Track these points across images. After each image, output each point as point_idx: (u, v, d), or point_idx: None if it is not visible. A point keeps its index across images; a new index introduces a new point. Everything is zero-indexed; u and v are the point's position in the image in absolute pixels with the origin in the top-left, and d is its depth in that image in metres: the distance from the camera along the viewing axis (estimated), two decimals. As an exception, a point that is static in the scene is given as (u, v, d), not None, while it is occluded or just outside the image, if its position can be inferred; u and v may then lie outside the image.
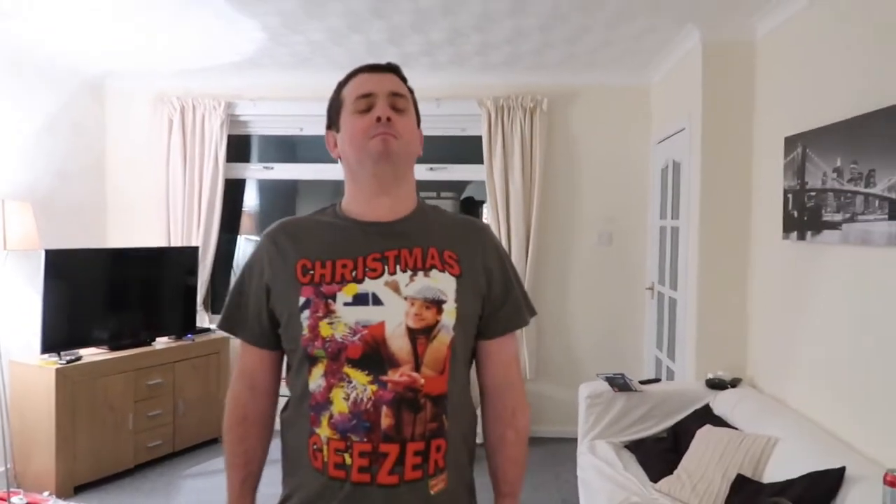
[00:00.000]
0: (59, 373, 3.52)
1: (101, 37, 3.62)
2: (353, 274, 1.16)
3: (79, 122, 4.40)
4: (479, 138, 4.46)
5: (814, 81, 2.74)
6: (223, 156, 4.54)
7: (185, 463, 4.06)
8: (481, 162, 4.48)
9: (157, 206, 4.60)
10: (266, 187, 5.13)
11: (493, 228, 4.47)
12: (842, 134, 2.43)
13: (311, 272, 1.17)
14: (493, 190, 4.45)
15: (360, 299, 1.14)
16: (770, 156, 3.10)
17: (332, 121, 1.28)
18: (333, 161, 1.30)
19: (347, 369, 1.13)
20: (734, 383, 3.27)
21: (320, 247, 1.20)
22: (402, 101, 1.22)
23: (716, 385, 3.25)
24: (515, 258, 4.41)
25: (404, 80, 1.28)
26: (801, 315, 2.82)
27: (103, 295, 4.00)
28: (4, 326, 3.56)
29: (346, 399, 1.12)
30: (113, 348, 3.94)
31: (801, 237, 2.75)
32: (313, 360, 1.15)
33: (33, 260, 3.72)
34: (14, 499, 3.34)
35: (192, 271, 4.41)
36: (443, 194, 5.12)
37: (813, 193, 2.65)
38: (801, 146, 2.75)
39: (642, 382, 3.41)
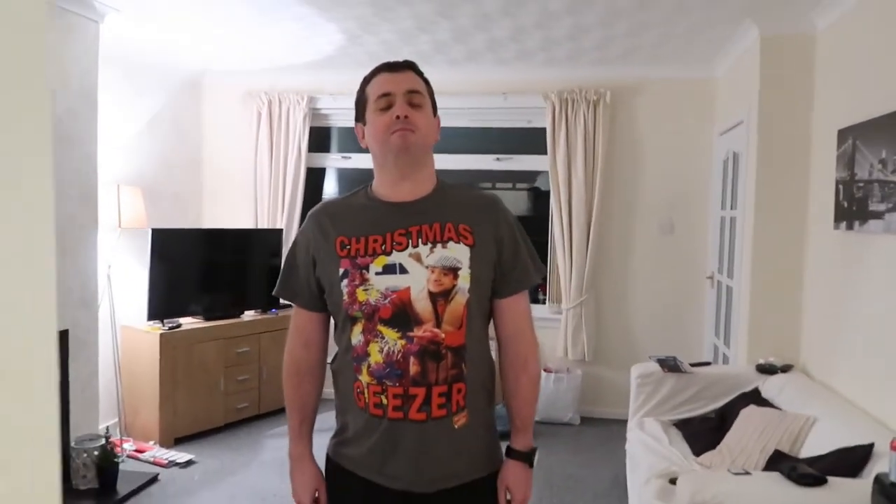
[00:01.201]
0: (163, 337, 4.00)
1: (199, 40, 4.06)
2: (383, 247, 1.37)
3: (180, 115, 4.89)
4: (544, 130, 4.66)
5: (865, 74, 2.81)
6: (305, 146, 4.93)
7: (268, 424, 4.49)
8: (545, 153, 4.67)
9: (246, 191, 5.04)
10: (344, 176, 5.50)
11: (556, 216, 4.67)
12: (887, 126, 2.51)
13: (348, 247, 1.38)
14: (555, 179, 4.64)
15: (388, 269, 1.35)
16: (825, 148, 3.16)
17: (359, 115, 1.45)
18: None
19: (381, 327, 1.35)
20: (785, 369, 3.35)
21: (355, 225, 1.41)
22: (418, 97, 1.39)
23: (766, 370, 3.35)
24: (576, 245, 4.59)
25: (421, 74, 1.44)
26: (850, 303, 2.90)
27: (199, 270, 4.47)
28: (118, 295, 4.07)
29: (381, 352, 1.35)
30: (207, 318, 4.40)
31: (850, 227, 2.83)
32: (353, 320, 1.38)
33: (140, 238, 4.21)
34: (125, 445, 3.84)
35: (277, 252, 4.82)
36: (518, 185, 5.34)
37: (861, 184, 2.73)
38: (851, 138, 2.82)
39: (693, 365, 3.54)
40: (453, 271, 1.36)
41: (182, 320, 4.27)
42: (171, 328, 4.10)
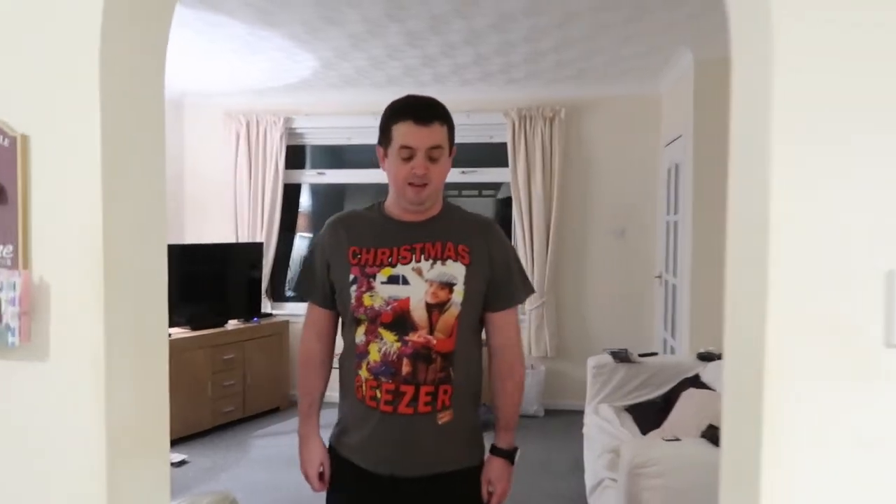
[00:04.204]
0: (154, 346, 4.25)
1: (181, 66, 4.34)
2: (389, 260, 1.53)
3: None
4: (505, 145, 5.04)
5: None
6: (282, 164, 5.24)
7: (254, 426, 4.76)
8: (507, 165, 5.05)
9: (226, 206, 5.31)
10: (318, 191, 5.81)
11: (517, 224, 5.05)
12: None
13: (359, 256, 1.55)
14: (516, 190, 5.02)
15: (393, 279, 1.52)
16: (749, 159, 3.59)
17: (382, 140, 1.56)
18: (377, 167, 1.61)
19: (381, 330, 1.52)
20: (722, 356, 3.76)
21: (367, 238, 1.57)
22: (438, 151, 1.51)
23: (705, 357, 3.75)
24: (537, 251, 4.98)
25: (445, 117, 1.54)
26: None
27: (184, 283, 4.73)
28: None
29: (379, 351, 1.51)
30: (193, 328, 4.66)
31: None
32: (358, 322, 1.54)
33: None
34: (120, 448, 4.08)
35: (257, 264, 5.11)
36: (484, 192, 5.73)
37: (776, 192, 3.15)
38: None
39: (641, 356, 3.94)
40: (449, 286, 1.53)
41: (170, 330, 4.52)
42: (160, 337, 4.35)
